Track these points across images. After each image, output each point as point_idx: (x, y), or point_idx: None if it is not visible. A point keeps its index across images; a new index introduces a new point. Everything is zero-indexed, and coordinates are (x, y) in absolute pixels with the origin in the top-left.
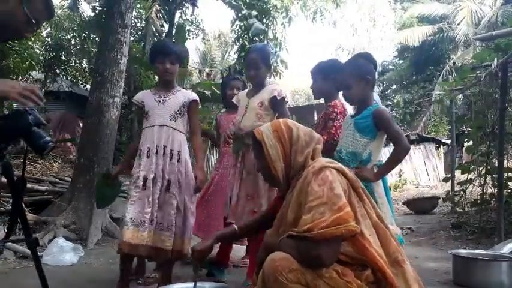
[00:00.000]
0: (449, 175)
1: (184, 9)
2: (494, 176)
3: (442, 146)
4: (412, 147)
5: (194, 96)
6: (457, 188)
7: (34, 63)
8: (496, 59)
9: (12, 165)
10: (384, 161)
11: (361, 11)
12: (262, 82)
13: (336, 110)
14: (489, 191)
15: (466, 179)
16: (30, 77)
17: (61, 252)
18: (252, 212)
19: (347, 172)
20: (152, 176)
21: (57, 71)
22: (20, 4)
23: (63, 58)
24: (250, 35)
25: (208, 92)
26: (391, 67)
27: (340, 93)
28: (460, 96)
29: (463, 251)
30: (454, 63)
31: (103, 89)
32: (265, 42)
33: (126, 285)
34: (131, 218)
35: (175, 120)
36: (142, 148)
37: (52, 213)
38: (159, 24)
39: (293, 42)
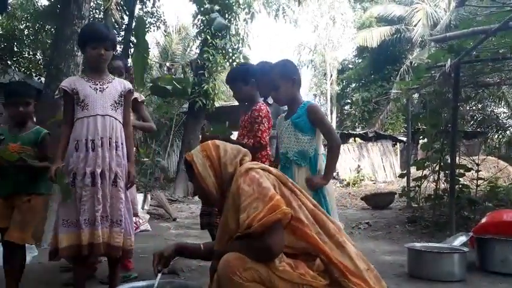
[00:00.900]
0: (405, 171)
1: (145, 0)
2: (447, 172)
3: (398, 143)
4: (369, 144)
5: (129, 85)
6: (412, 184)
7: None
8: (449, 59)
9: None
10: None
11: (322, 8)
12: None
13: (261, 113)
14: (442, 186)
15: (421, 175)
16: None
17: None
18: None
19: (272, 170)
20: (99, 170)
21: (9, 63)
22: None
23: (16, 49)
24: (212, 29)
25: (169, 87)
26: (350, 66)
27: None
28: (416, 95)
29: (417, 245)
30: (411, 63)
31: (58, 82)
32: (228, 37)
33: None
34: (85, 219)
35: (116, 110)
36: (81, 140)
37: None
38: (118, 16)
39: (256, 39)
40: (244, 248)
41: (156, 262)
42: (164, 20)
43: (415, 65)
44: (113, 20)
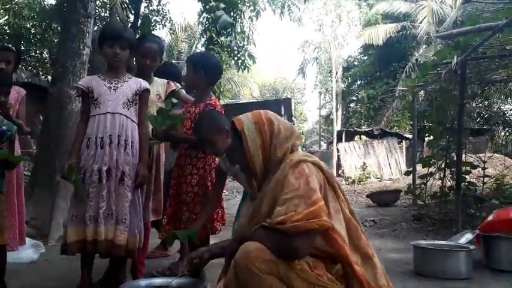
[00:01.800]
0: (411, 169)
1: None
2: (453, 169)
3: (404, 141)
4: (375, 141)
5: (146, 84)
6: (418, 181)
7: None
8: (455, 56)
9: None
10: None
11: (327, 7)
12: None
13: (216, 109)
14: (448, 184)
15: (426, 172)
16: None
17: (20, 249)
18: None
19: (323, 167)
20: (106, 168)
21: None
22: None
23: (23, 48)
24: (217, 27)
25: None
26: (356, 63)
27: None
28: (422, 92)
29: (423, 242)
30: (417, 60)
31: (65, 80)
32: (233, 35)
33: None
34: (90, 216)
35: (128, 109)
36: (92, 137)
37: None
38: (124, 15)
39: (261, 37)
40: (271, 240)
41: (187, 262)
42: (170, 18)
43: (421, 62)
44: (119, 18)
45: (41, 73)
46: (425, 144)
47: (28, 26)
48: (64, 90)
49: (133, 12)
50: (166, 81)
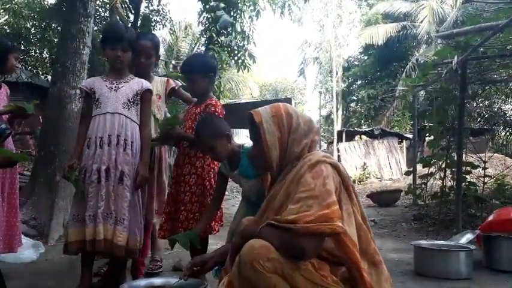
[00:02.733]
0: (411, 169)
1: None
2: (453, 169)
3: (404, 141)
4: (375, 141)
5: (148, 85)
6: (418, 181)
7: None
8: (456, 56)
9: None
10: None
11: (328, 7)
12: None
13: (217, 109)
14: (449, 184)
15: (427, 172)
16: None
17: (20, 249)
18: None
19: (341, 169)
20: (104, 167)
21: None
22: None
23: (22, 47)
24: (218, 27)
25: None
26: (356, 63)
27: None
28: (422, 92)
29: (423, 242)
30: (417, 59)
31: (65, 80)
32: (233, 35)
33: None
34: (89, 215)
35: (129, 109)
36: (92, 137)
37: None
38: (124, 14)
39: (261, 37)
40: (278, 239)
41: (188, 268)
42: (170, 17)
43: (421, 61)
44: (119, 18)
45: (40, 73)
46: (425, 144)
47: (28, 25)
48: (64, 90)
49: (133, 12)
50: (165, 79)
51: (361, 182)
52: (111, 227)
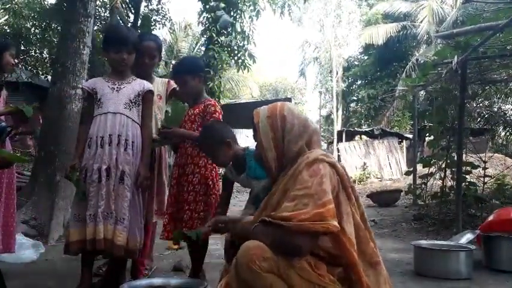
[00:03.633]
0: (412, 169)
1: None
2: (453, 169)
3: (404, 141)
4: (375, 141)
5: (150, 86)
6: (418, 181)
7: None
8: (456, 56)
9: None
10: None
11: (328, 7)
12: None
13: (217, 109)
14: (449, 184)
15: (427, 172)
16: None
17: (20, 249)
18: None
19: (340, 168)
20: (105, 167)
21: (16, 61)
22: None
23: (23, 47)
24: (218, 27)
25: None
26: (356, 63)
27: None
28: (422, 92)
29: (423, 242)
30: (417, 59)
31: (65, 80)
32: (233, 35)
33: None
34: (90, 215)
35: (130, 109)
36: (93, 137)
37: None
38: (124, 14)
39: (261, 37)
40: (271, 237)
41: (213, 223)
42: (170, 17)
43: (421, 61)
44: (119, 17)
45: (40, 73)
46: (425, 144)
47: (28, 25)
48: (64, 90)
49: (133, 11)
50: (166, 80)
51: (361, 182)
52: (112, 226)
